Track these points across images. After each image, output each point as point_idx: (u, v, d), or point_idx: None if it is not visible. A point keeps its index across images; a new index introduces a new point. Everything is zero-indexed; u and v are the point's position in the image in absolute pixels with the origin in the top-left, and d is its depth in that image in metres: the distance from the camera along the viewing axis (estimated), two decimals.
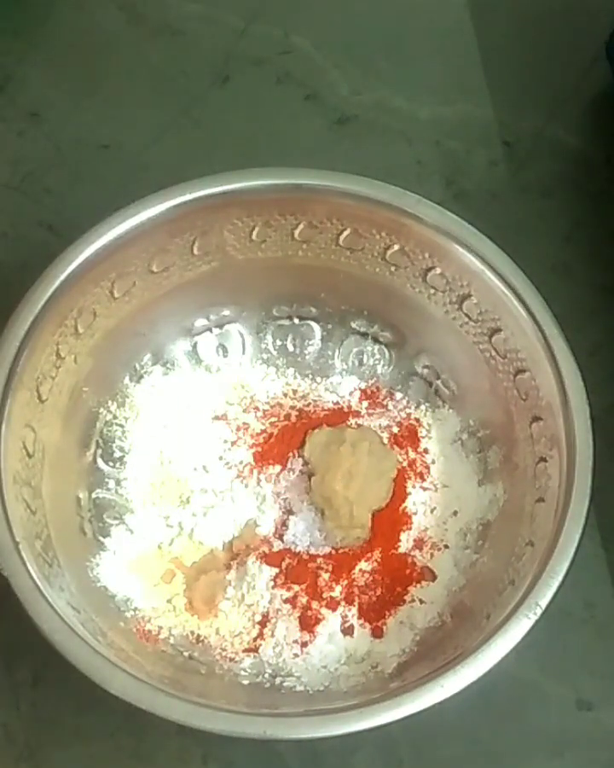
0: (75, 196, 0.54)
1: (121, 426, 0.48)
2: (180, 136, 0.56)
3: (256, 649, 0.45)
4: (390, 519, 0.47)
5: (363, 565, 0.46)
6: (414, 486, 0.48)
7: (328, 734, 0.36)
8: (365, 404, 0.50)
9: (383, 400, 0.50)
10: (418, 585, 0.46)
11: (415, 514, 0.47)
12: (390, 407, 0.50)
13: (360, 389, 0.50)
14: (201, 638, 0.45)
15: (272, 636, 0.45)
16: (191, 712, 0.36)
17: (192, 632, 0.45)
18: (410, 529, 0.47)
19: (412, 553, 0.47)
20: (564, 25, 0.59)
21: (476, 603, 0.43)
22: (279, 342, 0.50)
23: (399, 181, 0.44)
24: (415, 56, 0.59)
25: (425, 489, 0.48)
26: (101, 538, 0.46)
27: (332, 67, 0.58)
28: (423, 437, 0.49)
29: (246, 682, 0.43)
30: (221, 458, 0.48)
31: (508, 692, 0.45)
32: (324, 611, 0.45)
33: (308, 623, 0.45)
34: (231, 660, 0.44)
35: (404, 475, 0.48)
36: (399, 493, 0.47)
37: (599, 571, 0.48)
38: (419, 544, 0.47)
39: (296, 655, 0.44)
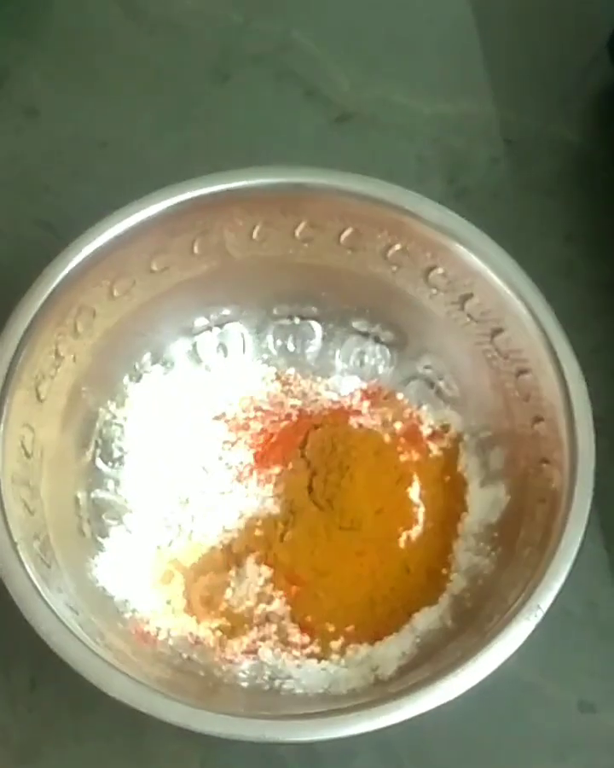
0: (73, 194, 0.54)
1: (120, 426, 0.48)
2: (179, 133, 0.56)
3: (255, 651, 0.44)
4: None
5: None
6: (415, 487, 0.47)
7: (328, 737, 0.36)
8: (366, 404, 0.49)
9: (384, 400, 0.49)
10: None
11: (417, 514, 0.47)
12: (392, 407, 0.49)
13: (361, 389, 0.50)
14: (200, 640, 0.45)
15: (271, 637, 0.45)
16: (189, 715, 0.36)
17: (191, 634, 0.45)
18: (411, 530, 0.47)
19: None
20: (567, 21, 0.59)
21: (477, 606, 0.43)
22: (279, 342, 0.50)
23: (400, 179, 0.44)
24: (417, 53, 0.59)
25: (426, 490, 0.47)
26: (99, 539, 0.45)
27: (332, 64, 0.58)
28: (425, 437, 0.48)
29: (245, 684, 0.43)
30: (220, 459, 0.48)
31: (509, 694, 0.44)
32: None
33: (307, 625, 0.45)
34: (230, 661, 0.44)
35: (405, 476, 0.47)
36: (400, 494, 0.47)
37: (601, 572, 0.48)
38: None
39: (295, 657, 0.44)
